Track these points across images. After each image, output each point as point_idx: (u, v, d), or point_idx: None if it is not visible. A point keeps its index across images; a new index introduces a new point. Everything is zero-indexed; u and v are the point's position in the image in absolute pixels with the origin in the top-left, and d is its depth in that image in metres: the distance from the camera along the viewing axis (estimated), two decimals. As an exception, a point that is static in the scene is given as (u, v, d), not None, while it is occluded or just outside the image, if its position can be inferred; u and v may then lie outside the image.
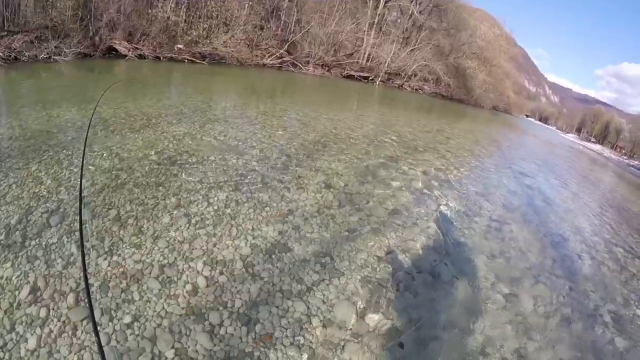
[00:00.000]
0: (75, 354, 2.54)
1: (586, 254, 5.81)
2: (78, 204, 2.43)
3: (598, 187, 13.65)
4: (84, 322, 2.75)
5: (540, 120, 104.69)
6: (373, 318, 3.29)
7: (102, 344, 2.59)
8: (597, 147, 56.14)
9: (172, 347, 2.68)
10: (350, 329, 3.13)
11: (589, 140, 75.31)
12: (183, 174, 5.12)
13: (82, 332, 2.68)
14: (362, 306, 3.40)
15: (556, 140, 34.81)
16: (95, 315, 2.81)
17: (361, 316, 3.29)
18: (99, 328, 2.73)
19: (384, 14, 38.57)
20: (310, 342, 2.94)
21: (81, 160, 4.66)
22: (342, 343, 2.99)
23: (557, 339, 3.66)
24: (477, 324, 3.54)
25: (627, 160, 48.09)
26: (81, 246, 1.69)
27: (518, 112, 66.84)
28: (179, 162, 5.50)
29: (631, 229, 8.34)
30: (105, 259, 3.36)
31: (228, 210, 4.41)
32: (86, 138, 4.76)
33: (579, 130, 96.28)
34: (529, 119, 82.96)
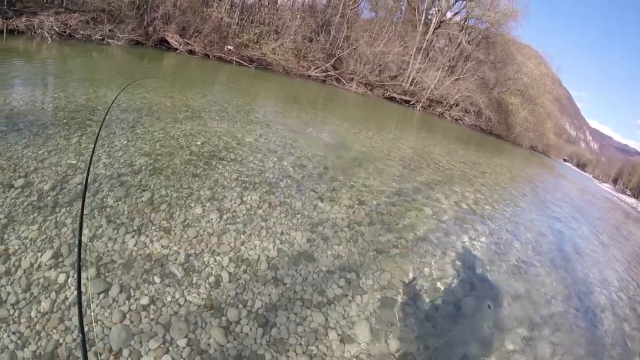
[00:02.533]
0: (87, 325, 2.51)
1: (609, 309, 5.56)
2: (84, 185, 2.43)
3: (629, 242, 13.04)
4: (101, 296, 2.77)
5: (577, 166, 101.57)
6: (389, 342, 3.18)
7: (116, 321, 2.59)
8: (632, 200, 53.66)
9: (186, 336, 2.65)
10: (366, 349, 3.03)
11: (625, 193, 72.42)
12: (220, 169, 5.18)
13: (97, 305, 2.70)
14: (380, 328, 3.29)
15: (591, 189, 33.58)
16: (114, 291, 2.83)
17: (378, 338, 3.18)
18: (114, 304, 2.73)
19: (432, 40, 38.55)
20: (324, 354, 2.85)
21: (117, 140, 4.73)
22: (355, 360, 2.90)
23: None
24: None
25: (662, 219, 45.99)
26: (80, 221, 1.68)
27: (556, 154, 65.12)
28: (217, 157, 5.56)
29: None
30: (132, 237, 3.40)
31: (260, 212, 4.41)
32: (103, 121, 4.86)
33: (615, 181, 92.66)
34: (566, 163, 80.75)
